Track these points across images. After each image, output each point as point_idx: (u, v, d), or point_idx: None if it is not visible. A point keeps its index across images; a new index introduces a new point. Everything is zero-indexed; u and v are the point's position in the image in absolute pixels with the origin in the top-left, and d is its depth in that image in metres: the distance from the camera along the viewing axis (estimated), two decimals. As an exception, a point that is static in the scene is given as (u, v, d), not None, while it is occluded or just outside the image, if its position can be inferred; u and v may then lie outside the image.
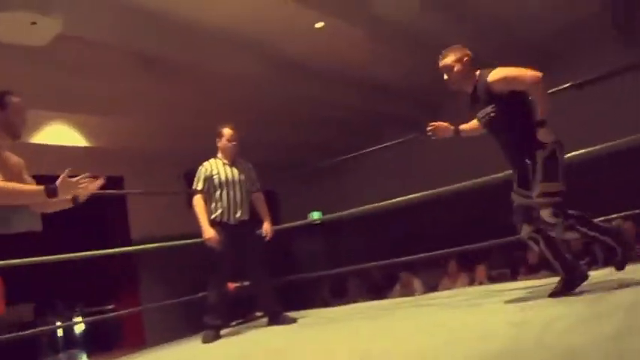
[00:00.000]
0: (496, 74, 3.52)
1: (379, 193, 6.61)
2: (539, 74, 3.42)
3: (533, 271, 7.05)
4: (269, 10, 6.16)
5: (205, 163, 5.09)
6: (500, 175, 4.63)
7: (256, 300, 5.37)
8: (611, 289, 3.35)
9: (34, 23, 4.84)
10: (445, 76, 3.75)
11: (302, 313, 5.54)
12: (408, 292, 8.08)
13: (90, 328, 10.33)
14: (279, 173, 9.75)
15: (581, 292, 3.43)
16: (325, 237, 11.33)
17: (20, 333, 5.44)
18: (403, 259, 5.94)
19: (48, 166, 6.44)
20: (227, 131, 5.07)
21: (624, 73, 4.60)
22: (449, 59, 3.72)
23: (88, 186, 3.11)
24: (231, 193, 4.99)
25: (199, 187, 5.01)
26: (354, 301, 6.89)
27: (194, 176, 5.11)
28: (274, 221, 5.41)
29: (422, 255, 5.80)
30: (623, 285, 3.33)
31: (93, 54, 6.20)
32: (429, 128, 4.05)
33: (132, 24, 5.81)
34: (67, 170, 2.97)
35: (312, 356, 3.50)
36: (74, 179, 2.99)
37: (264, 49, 7.16)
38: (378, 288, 9.22)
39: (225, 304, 5.00)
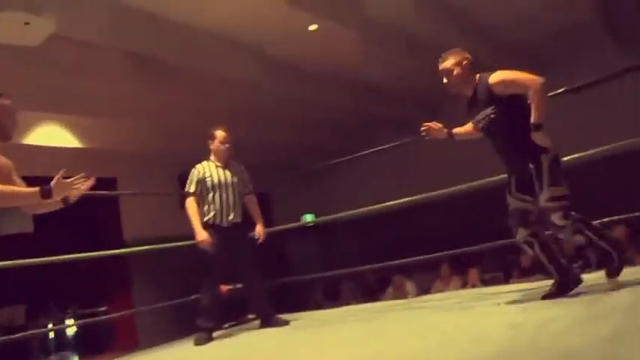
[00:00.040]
0: (498, 76, 3.52)
1: (372, 195, 6.61)
2: (541, 78, 3.42)
3: (526, 274, 7.06)
4: (263, 12, 6.16)
5: (198, 166, 5.08)
6: (493, 178, 4.64)
7: (249, 302, 5.36)
8: (607, 291, 3.36)
9: (27, 23, 4.82)
10: (444, 80, 3.75)
11: (295, 315, 5.53)
12: (401, 294, 8.08)
13: (82, 330, 10.29)
14: (273, 175, 9.75)
15: (576, 294, 3.44)
16: (318, 240, 11.33)
17: (11, 336, 5.41)
18: (396, 262, 5.94)
19: (40, 167, 6.42)
20: (220, 133, 5.06)
21: (619, 77, 4.60)
22: (448, 62, 3.72)
23: (80, 187, 3.11)
24: (224, 195, 4.98)
25: (192, 189, 5.00)
26: (347, 304, 6.88)
27: (187, 178, 5.09)
28: (267, 223, 5.40)
29: (415, 258, 5.80)
30: (618, 287, 3.34)
31: (86, 54, 6.17)
32: (423, 128, 4.05)
33: (125, 24, 5.79)
34: (61, 171, 2.96)
35: (305, 359, 3.49)
36: (68, 180, 2.99)
37: (257, 52, 7.15)
38: (372, 291, 9.23)
39: (217, 306, 4.99)
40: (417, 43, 7.53)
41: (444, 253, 5.66)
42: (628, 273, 3.60)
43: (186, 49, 6.46)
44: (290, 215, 8.55)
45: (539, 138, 3.37)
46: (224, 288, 5.61)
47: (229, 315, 5.84)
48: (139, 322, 8.43)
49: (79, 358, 9.75)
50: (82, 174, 3.08)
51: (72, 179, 3.00)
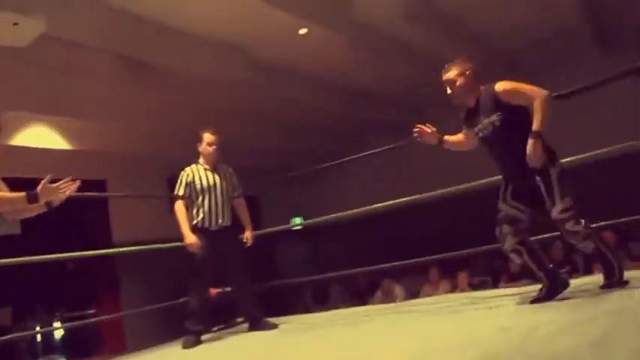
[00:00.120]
0: (505, 84, 3.53)
1: (361, 199, 6.62)
2: (545, 91, 3.45)
3: (514, 279, 7.08)
4: (253, 16, 6.15)
5: (187, 169, 5.07)
6: (482, 181, 4.65)
7: (237, 306, 5.35)
8: (595, 295, 3.37)
9: (16, 24, 4.80)
10: (448, 90, 3.75)
11: (283, 319, 5.52)
12: (390, 298, 8.08)
13: (69, 333, 10.24)
14: (262, 178, 9.74)
15: (564, 299, 3.45)
16: (307, 243, 11.33)
17: (-2, 338, 5.36)
18: (385, 265, 5.94)
19: (28, 168, 6.40)
20: (207, 136, 5.05)
21: (605, 84, 4.63)
22: (451, 73, 3.72)
23: (66, 191, 3.09)
24: (213, 198, 4.97)
25: (181, 192, 4.99)
26: (336, 308, 6.88)
27: (177, 181, 5.08)
28: (256, 227, 5.40)
29: (403, 262, 5.80)
30: (606, 292, 3.35)
31: (75, 56, 6.15)
32: (415, 130, 4.03)
33: (116, 26, 5.78)
34: (48, 176, 2.95)
35: (293, 363, 3.49)
36: (54, 185, 2.97)
37: (247, 55, 7.14)
38: (361, 294, 9.23)
39: (206, 309, 4.98)
40: (405, 48, 7.56)
41: (433, 256, 5.66)
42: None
43: (176, 52, 6.44)
44: (279, 218, 8.56)
45: (532, 146, 3.36)
46: (213, 291, 5.60)
47: (218, 318, 5.82)
48: (127, 325, 8.38)
49: (67, 361, 9.71)
50: (68, 178, 3.06)
51: (58, 184, 2.99)
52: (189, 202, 4.98)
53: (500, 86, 3.53)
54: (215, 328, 5.68)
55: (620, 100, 7.28)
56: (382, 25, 6.94)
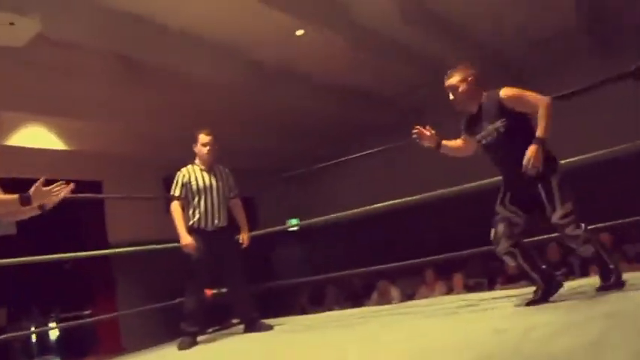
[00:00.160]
0: (509, 91, 3.53)
1: (358, 200, 6.60)
2: (549, 98, 3.46)
3: (511, 281, 7.08)
4: (250, 17, 6.15)
5: (183, 169, 5.06)
6: (479, 183, 4.65)
7: (233, 307, 5.34)
8: (591, 297, 3.38)
9: (12, 24, 4.79)
10: (450, 96, 3.74)
11: (279, 320, 5.52)
12: (385, 300, 8.08)
13: (65, 333, 10.22)
14: (258, 179, 9.74)
15: (560, 301, 3.46)
16: (304, 244, 11.32)
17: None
18: (380, 267, 5.93)
19: (24, 168, 6.39)
20: (201, 137, 5.03)
21: (601, 86, 4.64)
22: (454, 79, 3.71)
23: (59, 194, 3.07)
24: (209, 199, 4.96)
25: (177, 193, 4.97)
26: (332, 309, 6.87)
27: (172, 182, 5.07)
28: (252, 228, 5.39)
29: (399, 263, 5.80)
30: (602, 294, 3.36)
31: (71, 56, 6.15)
32: (415, 131, 4.01)
33: (113, 27, 5.77)
34: (41, 179, 2.93)
35: (289, 364, 3.49)
36: (47, 188, 2.95)
37: (244, 56, 7.15)
38: (357, 296, 9.23)
39: (202, 310, 4.96)
40: (402, 49, 7.56)
41: (429, 258, 5.66)
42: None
43: (173, 53, 6.44)
44: (275, 219, 8.54)
45: (534, 152, 3.35)
46: (209, 292, 5.58)
47: (214, 319, 5.81)
48: (123, 326, 8.38)
49: (62, 361, 9.69)
50: (61, 181, 3.04)
51: (51, 187, 2.97)
52: (186, 202, 4.97)
53: (505, 92, 3.53)
54: (210, 330, 5.66)
55: (619, 101, 7.27)
56: (379, 26, 6.95)
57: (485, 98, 3.64)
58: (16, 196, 2.90)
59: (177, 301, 5.52)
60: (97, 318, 7.83)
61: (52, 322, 10.44)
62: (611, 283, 3.45)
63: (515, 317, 3.35)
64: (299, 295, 9.98)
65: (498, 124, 3.55)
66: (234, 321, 5.77)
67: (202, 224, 4.92)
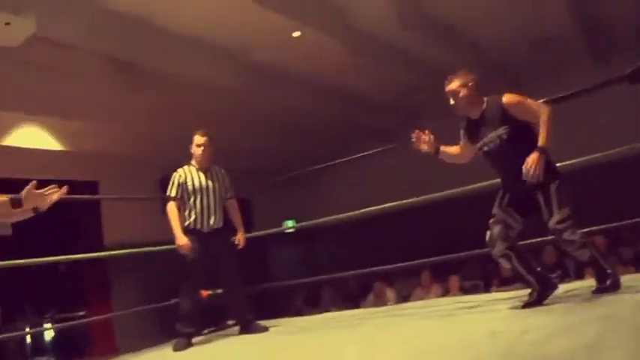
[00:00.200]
0: (512, 97, 3.54)
1: (354, 202, 6.60)
2: (550, 106, 3.48)
3: (506, 283, 7.08)
4: (246, 18, 6.15)
5: (179, 170, 5.05)
6: (475, 186, 4.65)
7: (228, 308, 5.33)
8: (587, 300, 3.38)
9: (7, 24, 4.78)
10: (451, 101, 3.74)
11: (274, 321, 5.50)
12: (381, 302, 8.07)
13: (60, 334, 10.20)
14: (254, 181, 9.73)
15: (555, 303, 3.46)
16: (300, 246, 11.32)
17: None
18: (376, 268, 5.93)
19: (20, 168, 6.37)
20: (196, 137, 5.02)
21: (597, 90, 4.65)
22: (454, 84, 3.71)
23: (52, 196, 3.02)
24: (205, 200, 4.95)
25: (173, 193, 4.96)
26: (328, 310, 6.86)
27: (169, 182, 5.06)
28: (248, 229, 5.38)
29: (395, 265, 5.80)
30: (598, 296, 3.36)
31: (67, 56, 6.13)
32: (414, 135, 3.99)
33: (108, 28, 5.76)
34: (33, 182, 2.88)
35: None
36: (39, 191, 2.91)
37: (240, 58, 7.14)
38: (353, 297, 9.23)
39: (197, 311, 4.95)
40: (398, 52, 7.57)
41: (425, 260, 5.66)
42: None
43: (169, 54, 6.44)
44: (271, 221, 8.54)
45: (536, 160, 3.35)
46: (204, 293, 5.58)
47: (209, 320, 5.80)
48: (118, 327, 8.36)
49: (57, 363, 9.66)
50: (54, 185, 3.01)
51: (43, 190, 2.93)
52: (182, 203, 4.96)
53: (508, 99, 3.53)
54: (206, 331, 5.64)
55: (615, 105, 7.30)
56: (376, 30, 6.96)
57: (487, 104, 3.65)
58: (6, 198, 2.83)
59: (172, 302, 5.50)
60: (91, 319, 7.80)
61: (47, 322, 10.41)
62: (607, 286, 3.45)
63: (510, 319, 3.35)
64: (294, 297, 9.97)
65: (501, 131, 3.55)
66: (230, 322, 5.76)
67: (198, 225, 4.91)
